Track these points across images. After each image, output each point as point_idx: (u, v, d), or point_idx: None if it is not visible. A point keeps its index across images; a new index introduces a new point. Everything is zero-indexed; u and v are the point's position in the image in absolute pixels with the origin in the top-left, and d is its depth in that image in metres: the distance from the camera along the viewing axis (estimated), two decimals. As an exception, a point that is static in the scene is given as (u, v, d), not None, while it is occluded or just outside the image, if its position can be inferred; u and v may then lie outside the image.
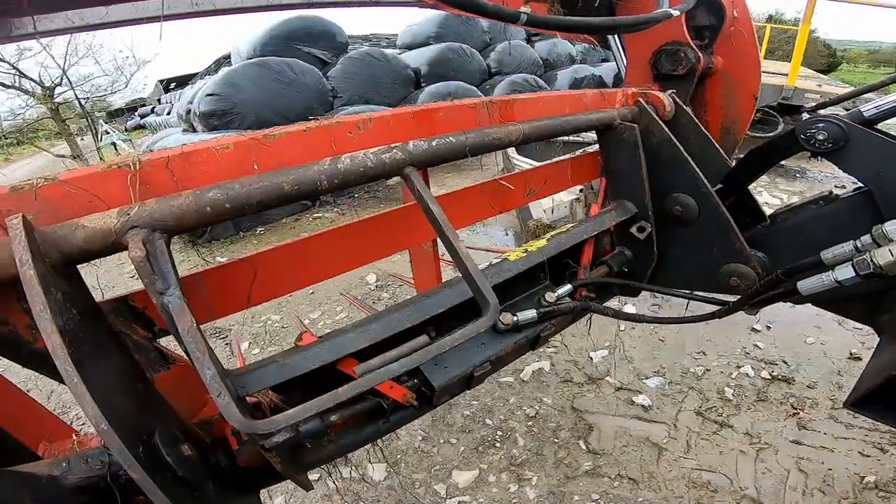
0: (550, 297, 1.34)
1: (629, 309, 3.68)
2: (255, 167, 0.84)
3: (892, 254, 0.96)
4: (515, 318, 1.26)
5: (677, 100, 1.42)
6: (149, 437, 0.66)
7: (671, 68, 1.52)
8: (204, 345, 0.68)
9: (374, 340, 1.00)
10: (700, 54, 1.48)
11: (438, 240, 1.58)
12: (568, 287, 1.40)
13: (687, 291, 1.59)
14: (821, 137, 1.26)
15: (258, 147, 0.82)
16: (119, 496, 0.65)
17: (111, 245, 0.66)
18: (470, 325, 0.88)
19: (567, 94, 1.27)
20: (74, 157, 14.58)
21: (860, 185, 1.34)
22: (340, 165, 0.86)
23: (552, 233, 1.38)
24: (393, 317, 1.06)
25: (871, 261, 0.98)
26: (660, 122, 1.34)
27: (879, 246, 1.02)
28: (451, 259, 0.95)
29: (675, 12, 1.21)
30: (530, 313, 1.28)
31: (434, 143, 0.97)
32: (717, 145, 1.44)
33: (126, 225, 0.66)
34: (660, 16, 1.18)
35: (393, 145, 0.92)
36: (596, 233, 1.41)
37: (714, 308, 1.46)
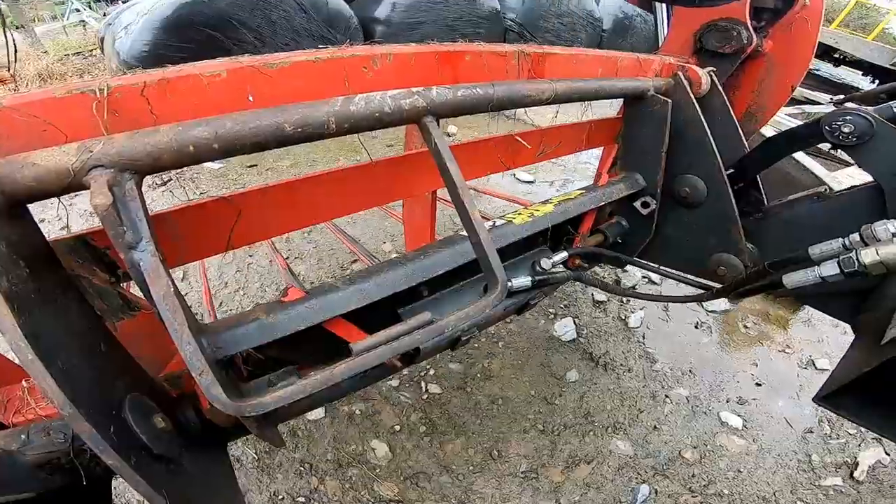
0: (546, 263, 1.30)
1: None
2: (250, 99, 0.69)
3: (877, 253, 0.96)
4: (510, 285, 1.22)
5: (715, 79, 1.31)
6: (118, 410, 0.59)
7: (718, 45, 1.37)
8: (182, 313, 0.59)
9: (367, 301, 0.93)
10: (754, 36, 1.34)
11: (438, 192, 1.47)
12: (564, 254, 1.36)
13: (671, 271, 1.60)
14: (846, 130, 1.22)
15: (256, 76, 0.67)
16: (83, 472, 0.59)
17: (67, 186, 0.53)
18: (475, 305, 0.83)
19: (602, 54, 1.14)
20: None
21: (855, 183, 1.33)
22: (353, 108, 0.72)
23: (559, 198, 1.31)
24: (388, 276, 0.98)
25: (857, 259, 0.99)
26: (693, 100, 1.23)
27: (867, 245, 1.02)
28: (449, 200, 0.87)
29: None
30: (525, 280, 1.24)
31: (459, 93, 0.84)
32: (741, 132, 1.36)
33: (87, 163, 0.53)
34: None
35: (414, 90, 0.79)
36: (603, 203, 1.35)
37: (697, 292, 1.47)
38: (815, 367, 2.63)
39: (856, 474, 2.07)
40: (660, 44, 1.56)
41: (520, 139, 1.21)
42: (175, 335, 0.58)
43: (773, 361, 2.64)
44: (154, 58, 3.88)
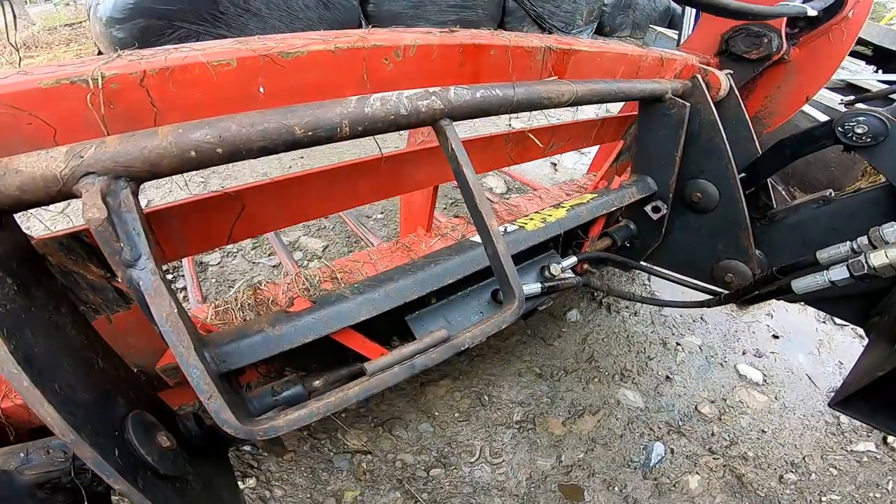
0: (555, 269, 1.26)
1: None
2: (261, 91, 0.63)
3: (886, 256, 0.95)
4: (519, 291, 1.18)
5: (732, 83, 1.26)
6: (121, 430, 0.55)
7: (745, 50, 1.32)
8: (187, 334, 0.54)
9: (376, 312, 0.89)
10: (784, 43, 1.29)
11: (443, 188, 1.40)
12: (573, 259, 1.33)
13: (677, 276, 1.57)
14: (860, 131, 1.19)
15: (269, 67, 0.61)
16: (84, 492, 0.55)
17: (56, 195, 0.48)
18: (491, 321, 0.80)
19: (626, 52, 1.09)
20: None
21: (859, 187, 1.31)
22: (368, 109, 0.67)
23: (571, 202, 1.26)
24: (398, 285, 0.94)
25: (866, 262, 0.97)
26: (711, 105, 1.19)
27: (875, 248, 1.01)
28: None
29: (812, 11, 1.02)
30: (535, 287, 1.20)
31: (478, 94, 0.79)
32: (754, 136, 1.33)
33: (78, 170, 0.47)
34: (792, 10, 1.00)
35: (431, 90, 0.74)
36: (615, 208, 1.31)
37: (705, 297, 1.45)
38: (834, 322, 2.37)
39: (889, 440, 1.84)
40: (682, 39, 1.51)
41: (531, 136, 1.16)
42: (181, 358, 0.53)
43: (789, 313, 2.39)
44: (139, 12, 3.67)
